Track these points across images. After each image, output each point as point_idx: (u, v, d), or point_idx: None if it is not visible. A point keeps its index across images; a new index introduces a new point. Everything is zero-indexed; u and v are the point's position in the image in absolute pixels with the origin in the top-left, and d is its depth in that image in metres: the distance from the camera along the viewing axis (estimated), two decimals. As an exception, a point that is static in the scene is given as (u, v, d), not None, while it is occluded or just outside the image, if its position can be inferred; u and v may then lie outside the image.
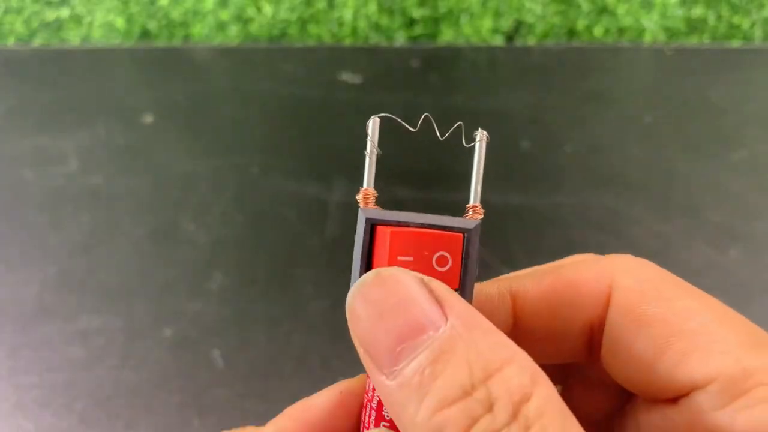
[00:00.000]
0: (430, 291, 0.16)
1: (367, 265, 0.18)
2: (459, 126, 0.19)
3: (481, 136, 0.19)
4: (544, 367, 0.19)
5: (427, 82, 0.60)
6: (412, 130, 0.19)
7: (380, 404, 0.19)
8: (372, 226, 0.19)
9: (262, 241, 0.48)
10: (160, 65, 0.63)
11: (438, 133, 0.19)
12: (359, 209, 0.19)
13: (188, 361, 0.43)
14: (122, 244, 0.49)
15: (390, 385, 0.15)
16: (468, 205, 0.20)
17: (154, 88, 0.60)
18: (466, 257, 0.19)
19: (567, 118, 0.57)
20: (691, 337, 0.18)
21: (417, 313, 0.16)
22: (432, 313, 0.16)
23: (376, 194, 0.19)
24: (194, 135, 0.56)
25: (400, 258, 0.18)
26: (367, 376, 0.20)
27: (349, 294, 0.17)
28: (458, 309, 0.16)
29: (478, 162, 0.19)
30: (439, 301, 0.16)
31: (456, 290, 0.18)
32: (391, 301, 0.16)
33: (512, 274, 0.22)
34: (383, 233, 0.18)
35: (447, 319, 0.15)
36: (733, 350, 0.17)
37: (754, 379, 0.16)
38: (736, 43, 0.65)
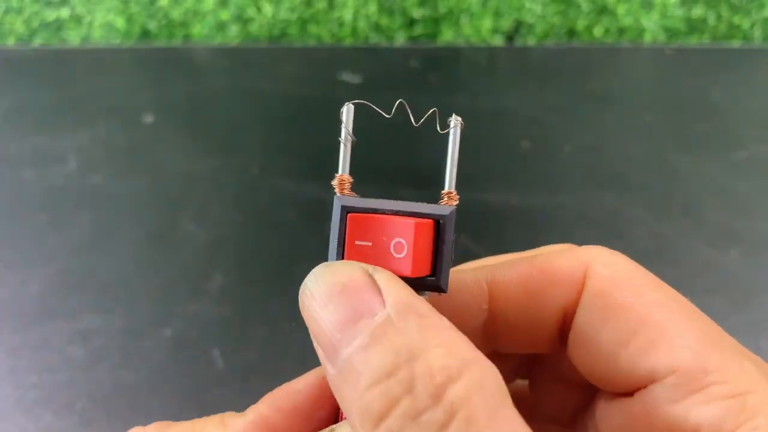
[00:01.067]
0: (373, 280, 0.16)
1: (343, 247, 0.19)
2: (434, 112, 0.19)
3: (455, 122, 0.19)
4: (518, 358, 0.19)
5: (427, 82, 0.60)
6: (386, 116, 0.20)
7: None
8: (346, 213, 0.19)
9: (262, 241, 0.48)
10: (160, 65, 0.63)
11: (413, 120, 0.19)
12: (335, 196, 0.19)
13: (188, 361, 0.43)
14: (122, 244, 0.49)
15: (332, 372, 0.16)
16: (443, 191, 0.19)
17: (154, 88, 0.60)
18: (441, 243, 0.19)
19: (567, 118, 0.57)
20: (656, 330, 0.18)
21: (357, 301, 0.16)
22: (371, 301, 0.16)
23: (351, 180, 0.19)
24: (194, 135, 0.56)
25: (358, 242, 0.18)
26: None
27: (300, 288, 0.18)
28: (395, 295, 0.16)
29: (453, 148, 0.19)
30: (379, 290, 0.16)
31: (429, 276, 0.18)
32: (334, 292, 0.16)
33: (490, 262, 0.22)
34: (350, 218, 0.19)
35: (384, 305, 0.16)
36: (694, 346, 0.17)
37: (711, 377, 0.17)
38: (736, 43, 0.65)
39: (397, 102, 0.20)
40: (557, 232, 0.49)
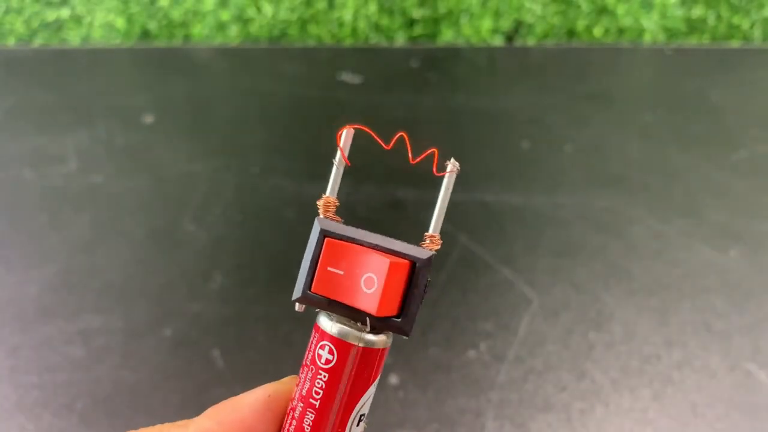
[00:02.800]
0: None
1: (314, 272, 0.19)
2: (432, 153, 0.19)
3: (452, 167, 0.19)
4: None
5: (427, 82, 0.60)
6: (385, 148, 0.19)
7: (302, 414, 0.19)
8: (324, 236, 0.19)
9: (262, 241, 0.48)
10: (160, 65, 0.63)
11: (410, 156, 0.19)
12: (317, 218, 0.19)
13: (188, 361, 0.43)
14: (122, 244, 0.49)
15: None
16: (426, 234, 0.19)
17: (154, 88, 0.60)
18: (413, 286, 0.18)
19: (567, 118, 0.57)
20: None
21: None
22: None
23: (337, 203, 0.19)
24: (194, 135, 0.56)
25: (330, 269, 0.18)
26: (296, 383, 0.20)
27: None
28: None
29: (445, 192, 0.19)
30: None
31: (395, 317, 0.18)
32: None
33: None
34: (327, 243, 0.19)
35: None
36: None
37: None
38: (736, 43, 0.65)
39: (397, 135, 0.19)
40: (557, 232, 0.49)
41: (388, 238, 0.18)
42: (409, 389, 0.41)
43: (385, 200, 0.49)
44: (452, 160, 0.19)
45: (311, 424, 0.19)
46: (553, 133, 0.56)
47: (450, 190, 0.19)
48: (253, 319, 0.44)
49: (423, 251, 0.18)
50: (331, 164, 0.19)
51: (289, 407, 0.20)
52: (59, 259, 0.48)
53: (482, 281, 0.46)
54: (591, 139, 0.56)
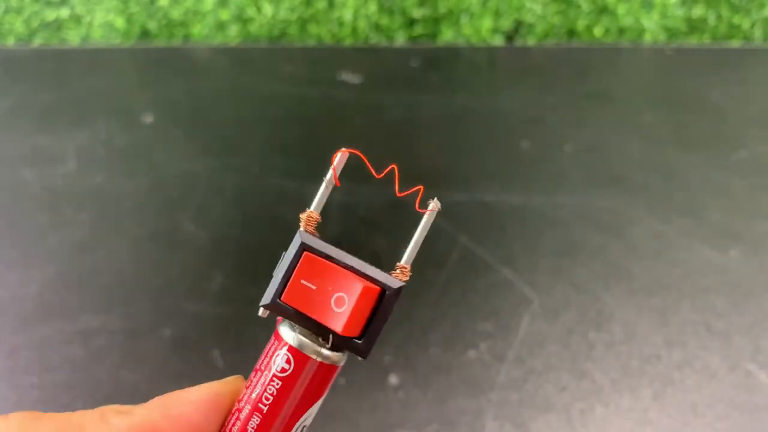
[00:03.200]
0: None
1: (287, 281, 0.19)
2: (418, 190, 0.19)
3: (433, 206, 0.19)
4: None
5: (427, 82, 0.60)
6: (376, 176, 0.20)
7: (248, 417, 0.19)
8: (303, 250, 0.19)
9: (262, 241, 0.48)
10: (160, 65, 0.63)
11: (397, 189, 0.19)
12: (299, 230, 0.20)
13: (188, 361, 0.43)
14: (122, 244, 0.49)
15: None
16: (398, 263, 0.19)
17: (154, 88, 0.60)
18: (379, 316, 0.19)
19: (567, 118, 0.57)
20: None
21: None
22: None
23: (319, 220, 0.20)
24: (194, 135, 0.56)
25: (303, 281, 0.19)
26: (246, 385, 0.20)
27: None
28: None
29: (423, 229, 0.19)
30: None
31: (356, 338, 0.19)
32: None
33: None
34: (305, 256, 0.19)
35: None
36: None
37: None
38: (736, 43, 0.65)
39: (389, 167, 0.20)
40: (557, 232, 0.49)
41: (364, 263, 0.19)
42: (409, 389, 0.41)
43: (386, 200, 0.49)
44: (435, 199, 0.19)
45: (255, 427, 0.19)
46: (553, 133, 0.56)
47: (428, 228, 0.19)
48: (253, 319, 0.44)
49: (394, 281, 0.19)
50: (323, 177, 0.20)
51: (235, 407, 0.20)
52: (59, 259, 0.48)
53: (482, 281, 0.46)
54: (591, 139, 0.56)
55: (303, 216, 0.20)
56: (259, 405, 0.19)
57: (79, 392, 0.41)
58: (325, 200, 0.20)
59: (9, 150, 0.55)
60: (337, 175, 0.20)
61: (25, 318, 0.45)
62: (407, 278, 0.19)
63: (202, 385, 0.21)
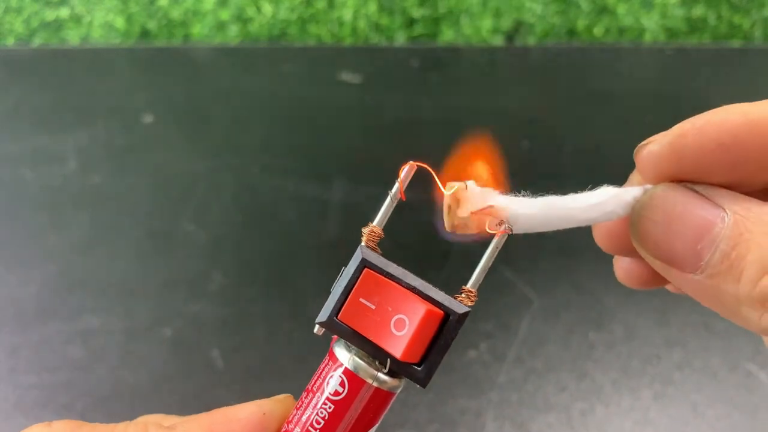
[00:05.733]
0: (698, 193, 0.18)
1: (346, 298, 0.18)
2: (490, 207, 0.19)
3: (506, 227, 0.19)
4: None
5: (427, 82, 0.60)
6: (443, 193, 0.19)
7: None
8: (364, 266, 0.18)
9: (262, 241, 0.48)
10: (160, 65, 0.63)
11: (396, 189, 0.18)
12: (360, 246, 0.18)
13: (188, 361, 0.43)
14: (122, 244, 0.49)
15: (699, 279, 0.17)
16: (464, 287, 0.19)
17: (154, 88, 0.60)
18: (442, 342, 0.18)
19: (567, 118, 0.57)
20: None
21: (699, 214, 0.18)
22: (710, 210, 0.17)
23: (382, 236, 0.19)
24: (194, 135, 0.56)
25: (362, 300, 0.18)
26: (296, 406, 0.19)
27: (633, 218, 0.19)
28: (727, 197, 0.18)
29: (492, 252, 0.19)
30: (709, 198, 0.18)
31: (415, 365, 0.18)
32: (674, 211, 0.18)
33: None
34: (366, 273, 0.18)
35: (724, 210, 0.17)
36: None
37: None
38: (736, 43, 0.65)
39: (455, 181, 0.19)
40: (557, 232, 0.49)
41: (427, 284, 0.18)
42: (409, 389, 0.41)
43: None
44: (508, 217, 0.19)
45: None
46: (553, 133, 0.56)
47: (498, 250, 0.19)
48: (253, 319, 0.44)
49: (459, 305, 0.18)
50: (388, 191, 0.19)
51: (284, 429, 0.19)
52: (59, 259, 0.48)
53: (483, 281, 0.46)
54: (591, 139, 0.56)
55: (366, 230, 0.18)
56: (309, 428, 0.18)
57: (79, 392, 0.41)
58: (389, 215, 0.19)
59: (9, 150, 0.55)
60: (404, 188, 0.19)
61: (25, 318, 0.45)
62: (473, 303, 0.18)
63: (251, 402, 0.20)
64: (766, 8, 0.66)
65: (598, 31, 0.66)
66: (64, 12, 0.66)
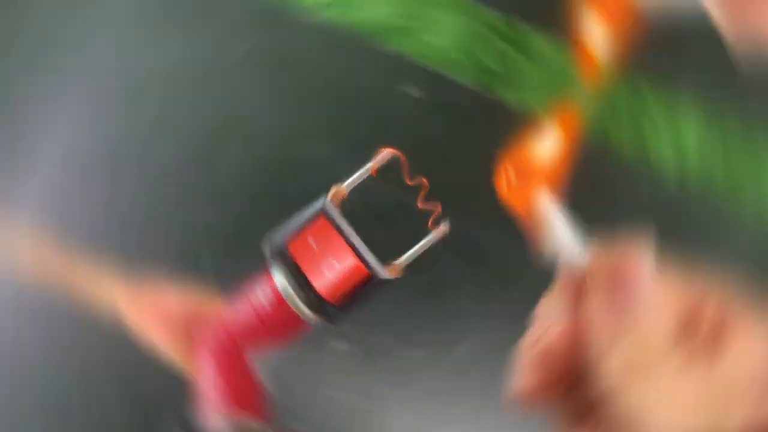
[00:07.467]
0: None
1: (298, 233, 0.21)
2: (436, 205, 0.22)
3: (444, 227, 0.22)
4: None
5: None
6: (408, 183, 0.22)
7: (219, 326, 0.24)
8: (321, 214, 0.21)
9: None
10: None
11: (419, 202, 0.22)
12: (324, 197, 0.22)
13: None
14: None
15: None
16: (397, 261, 0.22)
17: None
18: (360, 297, 0.21)
19: (567, 118, 0.57)
20: None
21: None
22: None
23: (345, 196, 0.22)
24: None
25: (309, 239, 0.21)
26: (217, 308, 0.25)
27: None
28: None
29: (426, 243, 0.22)
30: None
31: (333, 306, 0.21)
32: None
33: None
34: (320, 220, 0.21)
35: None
36: None
37: None
38: (735, 44, 0.65)
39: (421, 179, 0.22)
40: (557, 232, 0.48)
41: (366, 248, 0.21)
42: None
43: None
44: (446, 223, 0.22)
45: (222, 338, 0.22)
46: (553, 133, 0.56)
47: (432, 243, 0.22)
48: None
49: (385, 272, 0.21)
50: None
51: (213, 324, 0.23)
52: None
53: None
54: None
55: (333, 188, 0.22)
56: (231, 328, 0.22)
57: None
58: (358, 182, 0.22)
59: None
60: (375, 169, 0.22)
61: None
62: (396, 276, 0.21)
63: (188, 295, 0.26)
64: (767, 8, 0.66)
65: (598, 30, 0.65)
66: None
